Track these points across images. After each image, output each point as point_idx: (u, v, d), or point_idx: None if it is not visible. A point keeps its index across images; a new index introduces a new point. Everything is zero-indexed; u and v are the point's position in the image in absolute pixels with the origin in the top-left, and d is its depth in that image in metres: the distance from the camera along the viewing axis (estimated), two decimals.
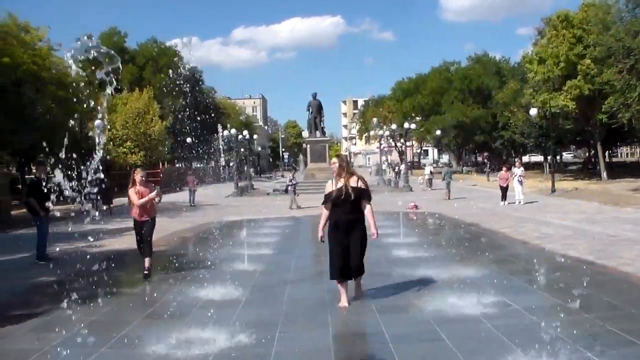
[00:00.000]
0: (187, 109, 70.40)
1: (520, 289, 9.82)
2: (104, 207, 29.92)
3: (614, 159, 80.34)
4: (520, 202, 27.12)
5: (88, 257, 14.73)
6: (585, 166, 66.90)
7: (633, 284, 10.05)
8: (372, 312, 8.50)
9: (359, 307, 8.86)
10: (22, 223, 25.32)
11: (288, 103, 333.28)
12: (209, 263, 12.87)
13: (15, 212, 30.63)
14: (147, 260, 11.95)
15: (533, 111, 40.98)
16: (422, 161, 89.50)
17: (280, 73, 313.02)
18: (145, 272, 11.90)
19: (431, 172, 47.80)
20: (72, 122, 39.47)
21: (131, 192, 12.02)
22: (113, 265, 13.60)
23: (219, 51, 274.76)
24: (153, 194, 12.04)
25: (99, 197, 30.09)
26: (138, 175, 12.11)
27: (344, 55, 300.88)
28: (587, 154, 74.35)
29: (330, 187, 8.99)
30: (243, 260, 13.44)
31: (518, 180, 27.60)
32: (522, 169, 28.59)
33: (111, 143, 54.49)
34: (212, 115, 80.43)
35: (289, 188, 32.61)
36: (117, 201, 33.10)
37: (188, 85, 74.00)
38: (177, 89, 70.12)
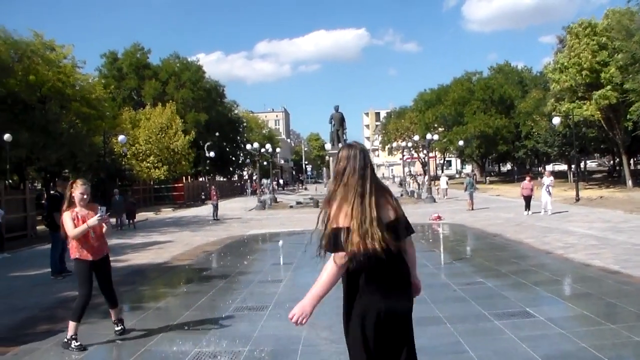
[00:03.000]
0: (210, 124, 70.90)
1: (544, 299, 9.65)
2: (128, 222, 30.10)
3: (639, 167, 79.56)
4: (548, 212, 26.72)
5: (113, 271, 14.90)
6: (609, 174, 66.33)
7: None
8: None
9: None
10: (48, 239, 25.60)
11: (311, 116, 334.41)
12: (234, 276, 12.91)
13: (41, 227, 30.92)
14: (115, 312, 8.44)
15: (556, 120, 40.70)
16: (439, 173, 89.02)
17: (303, 86, 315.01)
18: (118, 327, 8.41)
19: (447, 183, 50.64)
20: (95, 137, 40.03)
21: (66, 217, 7.90)
22: (137, 279, 13.72)
23: (242, 65, 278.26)
24: (94, 219, 7.80)
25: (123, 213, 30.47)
26: (77, 191, 8.03)
27: (367, 68, 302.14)
28: (611, 161, 73.73)
29: (344, 216, 3.88)
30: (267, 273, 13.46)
31: (546, 190, 27.22)
32: (551, 178, 27.99)
33: (135, 158, 54.97)
34: (235, 129, 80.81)
35: None
36: (140, 216, 33.32)
37: (210, 100, 74.51)
38: (199, 103, 70.69)
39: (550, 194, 27.27)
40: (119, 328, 8.36)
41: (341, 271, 3.87)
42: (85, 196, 8.02)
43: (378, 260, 3.76)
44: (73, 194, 8.00)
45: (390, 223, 3.91)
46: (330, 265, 3.88)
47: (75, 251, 7.92)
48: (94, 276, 8.09)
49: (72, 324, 7.74)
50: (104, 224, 8.07)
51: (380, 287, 3.87)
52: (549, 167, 77.68)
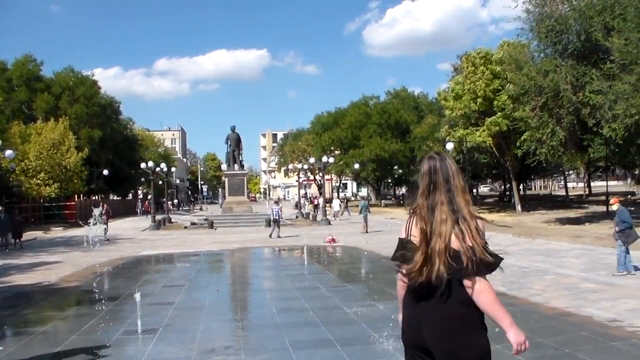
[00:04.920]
0: (104, 141, 69.40)
1: None
2: (14, 242, 29.09)
3: (528, 192, 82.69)
4: None
5: None
6: (500, 199, 68.67)
7: (542, 314, 10.52)
8: (286, 347, 8.50)
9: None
10: None
11: (208, 136, 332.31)
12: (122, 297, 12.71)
13: None
14: None
15: (449, 146, 41.99)
16: (335, 195, 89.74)
17: (201, 105, 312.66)
18: None
19: (340, 205, 53.45)
20: None
21: None
22: (20, 302, 13.31)
23: (141, 82, 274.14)
24: None
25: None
26: None
27: (267, 88, 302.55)
28: (502, 186, 76.37)
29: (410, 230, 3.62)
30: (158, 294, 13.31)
31: None
32: None
33: (24, 174, 53.17)
34: (130, 147, 79.44)
35: (277, 217, 32.25)
36: (28, 235, 32.27)
37: (105, 116, 73.05)
38: (94, 119, 69.12)
39: None
40: None
41: (401, 289, 3.67)
42: None
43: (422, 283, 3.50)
44: None
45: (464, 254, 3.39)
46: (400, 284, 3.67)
47: None
48: None
49: None
50: None
51: (422, 305, 3.53)
52: None
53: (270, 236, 30.77)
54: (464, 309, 3.39)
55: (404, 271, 3.53)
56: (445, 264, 3.36)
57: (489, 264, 3.38)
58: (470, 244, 3.37)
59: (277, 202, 36.39)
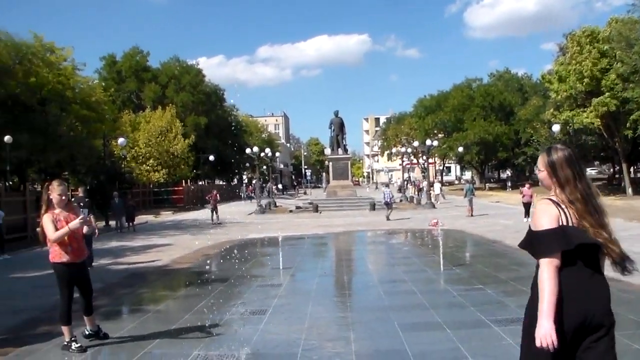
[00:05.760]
0: (210, 127, 70.78)
1: None
2: (127, 225, 30.10)
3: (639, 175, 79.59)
4: None
5: (113, 274, 14.91)
6: (609, 182, 66.34)
7: None
8: (395, 329, 8.44)
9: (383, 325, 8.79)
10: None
11: (311, 121, 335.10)
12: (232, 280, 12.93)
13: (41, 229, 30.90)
14: (90, 320, 8.15)
15: (555, 127, 40.76)
16: (433, 180, 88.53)
17: (304, 91, 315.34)
18: (92, 332, 8.17)
19: (440, 189, 52.54)
20: (95, 140, 40.03)
21: (46, 220, 7.62)
22: (136, 282, 13.74)
23: (244, 69, 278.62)
24: (76, 222, 7.54)
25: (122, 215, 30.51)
26: (55, 192, 7.73)
27: (368, 73, 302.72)
28: (611, 169, 73.73)
29: (553, 218, 3.57)
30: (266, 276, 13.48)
31: None
32: None
33: (134, 161, 54.97)
34: (234, 133, 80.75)
35: (389, 200, 33.02)
36: (140, 218, 33.29)
37: (209, 103, 74.42)
38: (199, 107, 70.57)
39: None
40: (97, 332, 8.17)
41: (554, 275, 3.52)
42: (63, 197, 7.77)
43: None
44: (51, 195, 7.71)
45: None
46: (547, 270, 3.54)
47: (57, 254, 7.66)
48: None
49: (65, 329, 7.71)
50: (85, 226, 7.77)
51: (588, 285, 3.62)
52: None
53: (388, 218, 30.82)
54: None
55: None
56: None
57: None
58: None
59: (388, 185, 36.50)
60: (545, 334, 3.34)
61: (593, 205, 3.65)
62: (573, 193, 3.62)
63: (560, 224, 3.53)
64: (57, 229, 7.51)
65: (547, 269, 3.48)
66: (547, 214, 3.58)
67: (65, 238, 7.58)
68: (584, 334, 3.56)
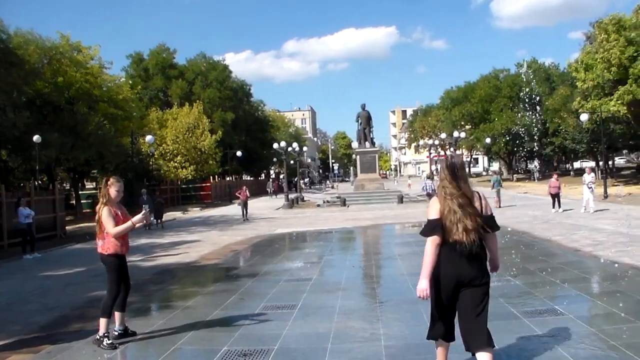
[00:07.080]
0: (237, 123, 70.98)
1: (572, 297, 9.49)
2: (156, 222, 30.27)
3: None
4: (590, 210, 25.57)
5: (143, 270, 15.01)
6: (638, 171, 65.53)
7: None
8: (425, 322, 8.41)
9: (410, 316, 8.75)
10: (77, 238, 25.88)
11: (338, 114, 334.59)
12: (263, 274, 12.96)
13: (70, 227, 31.23)
14: (122, 317, 8.25)
15: (584, 117, 40.29)
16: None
17: (331, 85, 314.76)
18: (121, 331, 8.18)
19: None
20: (123, 138, 40.36)
21: (106, 214, 7.80)
22: (166, 278, 13.82)
23: (271, 64, 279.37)
24: (140, 217, 7.87)
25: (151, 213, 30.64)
26: (113, 188, 8.01)
27: (396, 65, 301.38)
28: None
29: (437, 209, 5.18)
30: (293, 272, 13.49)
31: (588, 187, 26.38)
32: (592, 175, 27.05)
33: (162, 158, 55.31)
34: (262, 128, 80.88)
35: (431, 192, 32.66)
36: (168, 215, 33.47)
37: (236, 99, 74.60)
38: (226, 103, 70.77)
39: (592, 191, 26.54)
40: (126, 330, 8.23)
41: (434, 248, 5.20)
42: (120, 193, 8.04)
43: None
44: (109, 191, 7.93)
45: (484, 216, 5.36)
46: (428, 245, 5.23)
47: (113, 247, 7.83)
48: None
49: (103, 321, 7.80)
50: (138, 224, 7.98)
51: (456, 254, 5.25)
52: (577, 164, 77.03)
53: None
54: (483, 255, 5.60)
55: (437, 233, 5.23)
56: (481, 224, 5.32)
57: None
58: (489, 210, 5.45)
59: (429, 177, 36.38)
60: (421, 288, 5.18)
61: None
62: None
63: (438, 213, 5.18)
64: (116, 224, 7.77)
65: (428, 245, 5.16)
66: (433, 207, 5.24)
67: None
68: (459, 287, 5.36)
